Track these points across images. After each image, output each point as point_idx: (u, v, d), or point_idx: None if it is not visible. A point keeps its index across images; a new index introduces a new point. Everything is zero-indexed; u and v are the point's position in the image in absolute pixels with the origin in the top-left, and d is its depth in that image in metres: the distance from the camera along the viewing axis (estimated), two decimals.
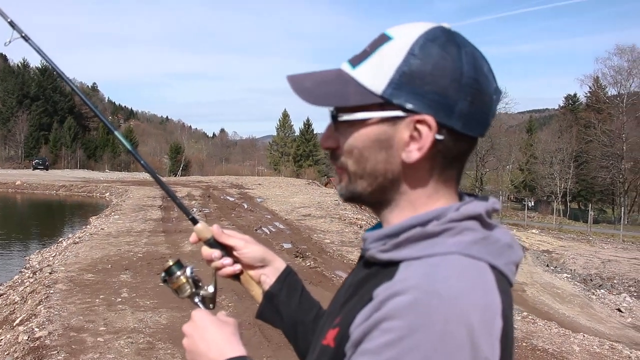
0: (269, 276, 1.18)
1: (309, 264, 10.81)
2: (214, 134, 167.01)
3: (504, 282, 0.81)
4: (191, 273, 1.15)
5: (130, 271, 9.57)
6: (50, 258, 11.89)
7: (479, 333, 0.72)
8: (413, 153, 0.82)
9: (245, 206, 22.32)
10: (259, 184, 37.03)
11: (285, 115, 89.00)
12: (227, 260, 1.16)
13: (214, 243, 1.16)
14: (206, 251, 1.16)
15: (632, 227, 44.70)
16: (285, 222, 17.91)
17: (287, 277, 1.20)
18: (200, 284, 1.15)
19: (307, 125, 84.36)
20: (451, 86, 0.80)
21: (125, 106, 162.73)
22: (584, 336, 8.33)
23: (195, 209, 19.62)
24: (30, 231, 22.92)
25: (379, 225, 0.91)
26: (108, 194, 33.73)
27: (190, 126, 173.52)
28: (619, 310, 14.35)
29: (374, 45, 0.86)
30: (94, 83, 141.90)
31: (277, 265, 1.20)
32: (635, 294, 16.83)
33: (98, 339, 6.09)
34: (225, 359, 0.98)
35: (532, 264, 19.70)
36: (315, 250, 12.83)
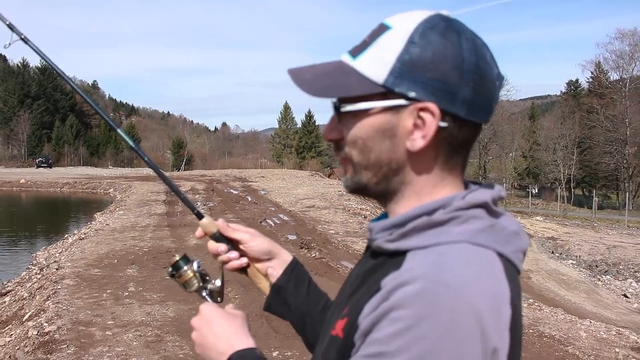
0: (275, 269, 1.19)
1: (314, 255, 10.83)
2: (215, 128, 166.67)
3: (512, 270, 0.81)
4: (198, 267, 1.15)
5: (137, 265, 9.61)
6: (57, 254, 11.95)
7: (487, 321, 0.72)
8: (417, 141, 0.82)
9: (249, 199, 22.35)
10: (262, 177, 37.05)
11: (287, 108, 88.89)
12: (234, 254, 1.17)
13: (219, 237, 1.16)
14: (212, 245, 1.16)
15: (637, 213, 44.46)
16: (289, 213, 17.94)
17: (294, 269, 1.20)
18: (207, 278, 1.16)
19: (309, 117, 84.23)
20: (453, 72, 0.80)
21: (126, 103, 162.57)
22: (590, 322, 8.33)
23: (199, 203, 19.66)
24: (36, 228, 22.99)
25: (384, 216, 0.91)
26: (112, 190, 33.80)
27: (192, 121, 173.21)
28: (625, 296, 14.33)
29: (373, 35, 0.85)
30: (95, 81, 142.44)
31: (284, 258, 1.20)
32: None
33: (106, 332, 6.13)
34: (234, 351, 0.99)
35: (537, 251, 19.71)
36: (320, 241, 12.86)
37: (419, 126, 0.81)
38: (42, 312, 6.92)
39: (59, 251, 12.51)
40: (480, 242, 0.79)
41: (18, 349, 5.82)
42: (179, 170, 73.06)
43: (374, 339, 0.74)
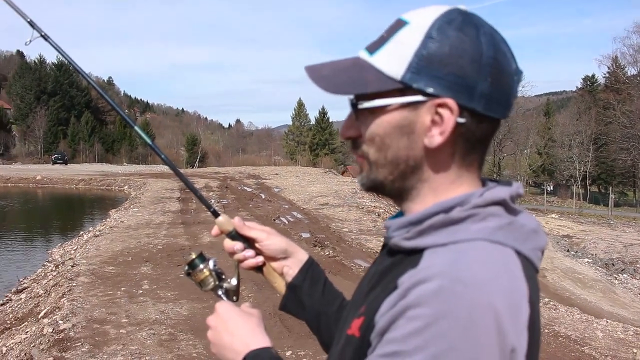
0: (291, 268, 1.18)
1: (327, 253, 10.83)
2: (229, 125, 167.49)
3: (530, 268, 0.81)
4: (214, 266, 1.15)
5: (151, 263, 9.66)
6: (72, 251, 12.06)
7: (505, 320, 0.71)
8: (435, 137, 0.81)
9: (263, 196, 22.40)
10: (276, 174, 37.11)
11: (300, 105, 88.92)
12: (250, 252, 1.16)
13: (235, 235, 1.16)
14: (228, 244, 1.16)
15: None
16: (303, 211, 17.95)
17: (310, 268, 1.19)
18: (223, 277, 1.16)
19: (323, 113, 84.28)
20: (471, 67, 0.79)
21: (141, 99, 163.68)
22: (607, 322, 8.25)
23: (213, 200, 19.73)
24: (52, 225, 23.25)
25: (400, 214, 0.90)
26: (127, 187, 34.05)
27: (206, 117, 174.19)
28: None
29: (390, 31, 0.85)
30: (110, 77, 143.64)
31: (300, 257, 1.20)
32: None
33: (121, 330, 6.17)
34: (249, 350, 0.99)
35: (553, 249, 19.55)
36: (334, 239, 12.84)
37: (437, 122, 0.81)
38: (57, 310, 6.99)
39: (74, 248, 12.62)
40: (499, 240, 0.78)
41: (33, 346, 5.87)
42: (192, 167, 73.47)
43: (390, 337, 0.73)
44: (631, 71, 58.79)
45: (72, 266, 9.51)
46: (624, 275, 16.70)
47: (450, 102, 0.79)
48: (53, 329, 6.18)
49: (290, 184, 29.22)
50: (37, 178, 42.54)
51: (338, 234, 13.82)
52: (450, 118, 0.80)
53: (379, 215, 17.91)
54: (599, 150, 56.54)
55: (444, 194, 0.84)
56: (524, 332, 0.73)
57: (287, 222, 15.20)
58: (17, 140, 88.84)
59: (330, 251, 11.01)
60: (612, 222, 33.47)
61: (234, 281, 1.16)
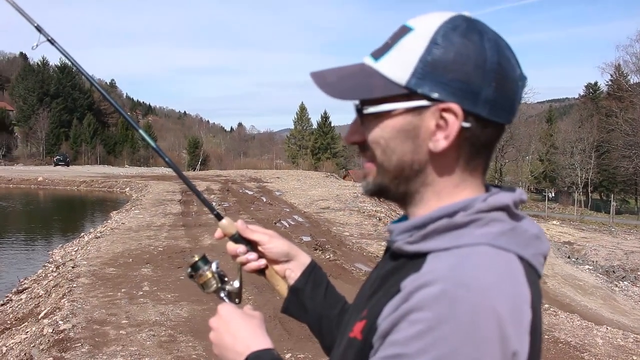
0: (294, 271, 1.19)
1: (328, 256, 10.83)
2: (231, 128, 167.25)
3: (532, 274, 0.81)
4: (217, 268, 1.16)
5: (151, 265, 9.66)
6: (73, 252, 12.07)
7: (508, 324, 0.71)
8: (440, 142, 0.81)
9: (264, 200, 22.41)
10: (278, 178, 37.12)
11: (303, 109, 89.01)
12: (252, 255, 1.17)
13: (238, 238, 1.17)
14: (231, 246, 1.17)
15: None
16: (304, 215, 17.94)
17: (312, 271, 1.20)
18: (226, 279, 1.16)
19: (325, 118, 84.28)
20: (475, 73, 0.80)
21: (143, 102, 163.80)
22: (607, 329, 8.23)
23: (214, 203, 19.72)
24: (53, 226, 23.25)
25: (404, 218, 0.91)
26: (128, 189, 34.07)
27: (208, 121, 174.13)
28: None
29: (395, 37, 0.86)
30: (112, 79, 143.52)
31: (302, 260, 1.20)
32: None
33: (120, 331, 6.17)
34: (251, 352, 0.99)
35: (554, 256, 19.51)
36: (335, 242, 12.84)
37: (442, 127, 0.81)
38: (57, 310, 6.99)
39: (75, 249, 12.62)
40: (501, 245, 0.79)
41: (33, 346, 5.88)
42: (194, 170, 73.44)
43: (392, 340, 0.74)
44: (634, 79, 58.75)
45: (72, 267, 9.51)
46: (625, 282, 16.66)
47: (454, 106, 0.80)
48: (53, 330, 6.18)
49: (291, 187, 29.22)
50: (38, 179, 42.56)
51: (339, 237, 13.82)
52: (454, 122, 0.80)
53: (380, 219, 17.89)
54: (601, 157, 56.49)
55: (448, 198, 0.85)
56: (525, 336, 0.74)
57: (288, 226, 15.20)
58: (20, 141, 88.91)
59: (331, 255, 11.01)
60: (613, 229, 33.39)
61: (236, 283, 1.16)
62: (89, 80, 1.27)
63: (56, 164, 67.12)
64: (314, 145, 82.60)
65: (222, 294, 1.15)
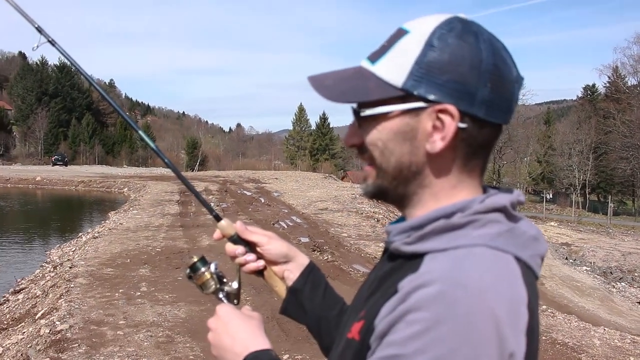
0: (292, 272, 1.19)
1: (326, 257, 10.82)
2: (230, 129, 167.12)
3: (530, 275, 0.81)
4: (216, 269, 1.16)
5: (149, 265, 9.65)
6: (71, 252, 12.06)
7: (505, 325, 0.71)
8: (437, 143, 0.82)
9: (262, 200, 22.39)
10: (276, 178, 37.10)
11: (301, 110, 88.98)
12: (251, 256, 1.17)
13: (237, 239, 1.17)
14: (230, 247, 1.17)
15: None
16: (302, 216, 17.93)
17: (311, 272, 1.20)
18: (224, 280, 1.16)
19: (323, 119, 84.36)
20: (471, 73, 0.80)
21: (142, 102, 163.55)
22: (604, 330, 8.25)
23: (212, 204, 19.68)
24: (51, 226, 23.23)
25: (402, 219, 0.91)
26: (126, 189, 34.04)
27: (206, 121, 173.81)
28: None
29: (391, 40, 0.86)
30: (111, 79, 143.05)
31: (301, 261, 1.20)
32: None
33: (118, 332, 6.16)
34: (249, 352, 0.99)
35: (551, 257, 19.53)
36: (333, 244, 12.84)
37: (438, 128, 0.82)
38: (54, 311, 6.98)
39: (72, 250, 12.61)
40: (499, 246, 0.79)
41: (30, 347, 5.87)
42: (193, 171, 73.43)
43: (390, 341, 0.74)
44: (631, 81, 58.99)
45: (70, 267, 9.50)
46: (622, 283, 16.71)
47: (451, 107, 0.80)
48: (50, 330, 6.17)
49: (289, 188, 29.20)
50: (36, 179, 42.50)
51: (337, 238, 13.82)
52: (451, 123, 0.81)
53: (378, 220, 17.91)
54: (599, 159, 56.56)
55: (445, 199, 0.85)
56: (522, 337, 0.74)
57: (286, 227, 15.19)
58: (18, 141, 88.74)
59: (329, 256, 11.00)
60: (610, 230, 33.47)
61: (235, 284, 1.16)
62: (90, 82, 1.27)
63: (54, 164, 67.03)
64: (312, 146, 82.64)
65: (220, 295, 1.15)
